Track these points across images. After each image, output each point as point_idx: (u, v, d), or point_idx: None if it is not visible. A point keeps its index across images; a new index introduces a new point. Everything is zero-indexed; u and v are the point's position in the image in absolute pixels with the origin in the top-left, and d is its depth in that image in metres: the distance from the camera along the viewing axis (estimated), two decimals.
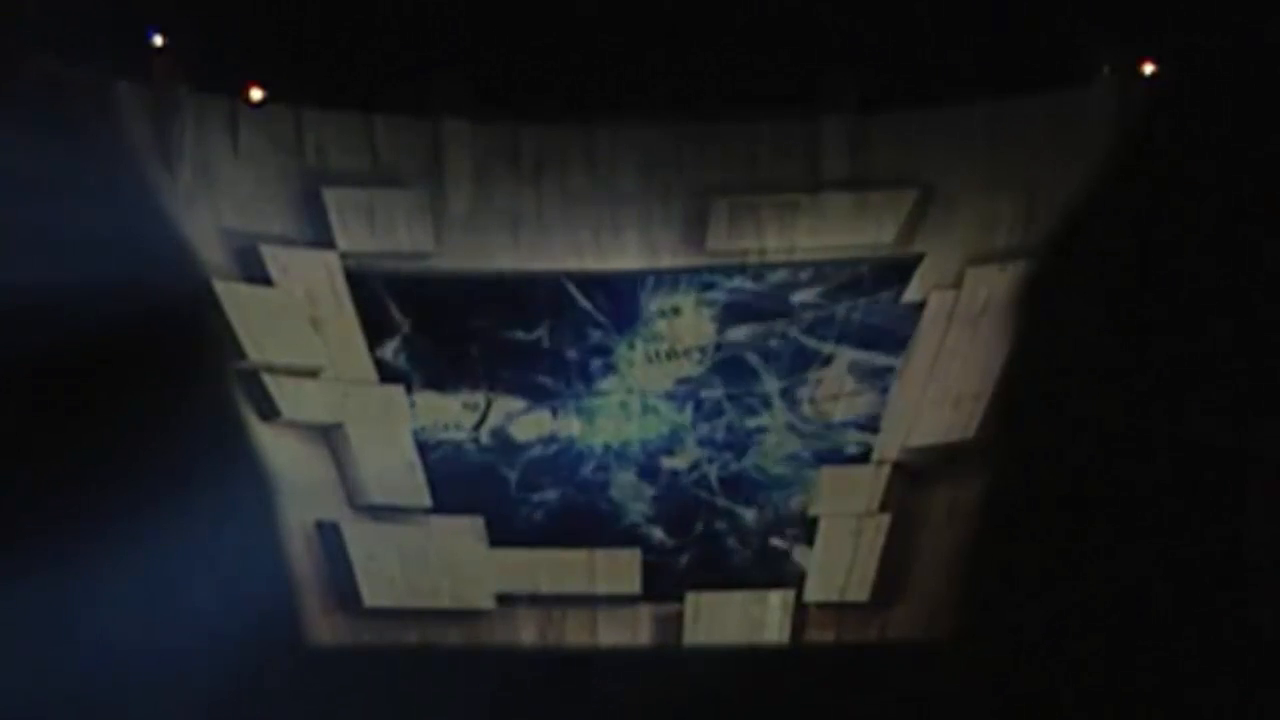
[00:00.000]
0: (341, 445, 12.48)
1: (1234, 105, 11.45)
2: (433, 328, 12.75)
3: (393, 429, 12.63)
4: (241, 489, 11.82)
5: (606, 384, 12.84)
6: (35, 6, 11.08)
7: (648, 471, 12.81)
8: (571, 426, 12.84)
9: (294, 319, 12.44)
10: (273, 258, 12.41)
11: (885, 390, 12.62)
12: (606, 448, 12.83)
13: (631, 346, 12.83)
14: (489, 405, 12.78)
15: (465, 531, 12.61)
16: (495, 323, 12.81)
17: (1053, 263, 11.99)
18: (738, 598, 12.64)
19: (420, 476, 12.63)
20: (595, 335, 12.84)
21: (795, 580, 12.59)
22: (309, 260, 12.53)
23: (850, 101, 12.47)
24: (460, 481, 12.66)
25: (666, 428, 12.83)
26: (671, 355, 12.85)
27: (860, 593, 12.47)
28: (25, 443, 11.11)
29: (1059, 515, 11.66)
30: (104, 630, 11.09)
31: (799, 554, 12.66)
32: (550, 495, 12.74)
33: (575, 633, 12.64)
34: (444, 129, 12.64)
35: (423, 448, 12.64)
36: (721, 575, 12.71)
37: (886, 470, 12.54)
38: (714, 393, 12.84)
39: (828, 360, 12.73)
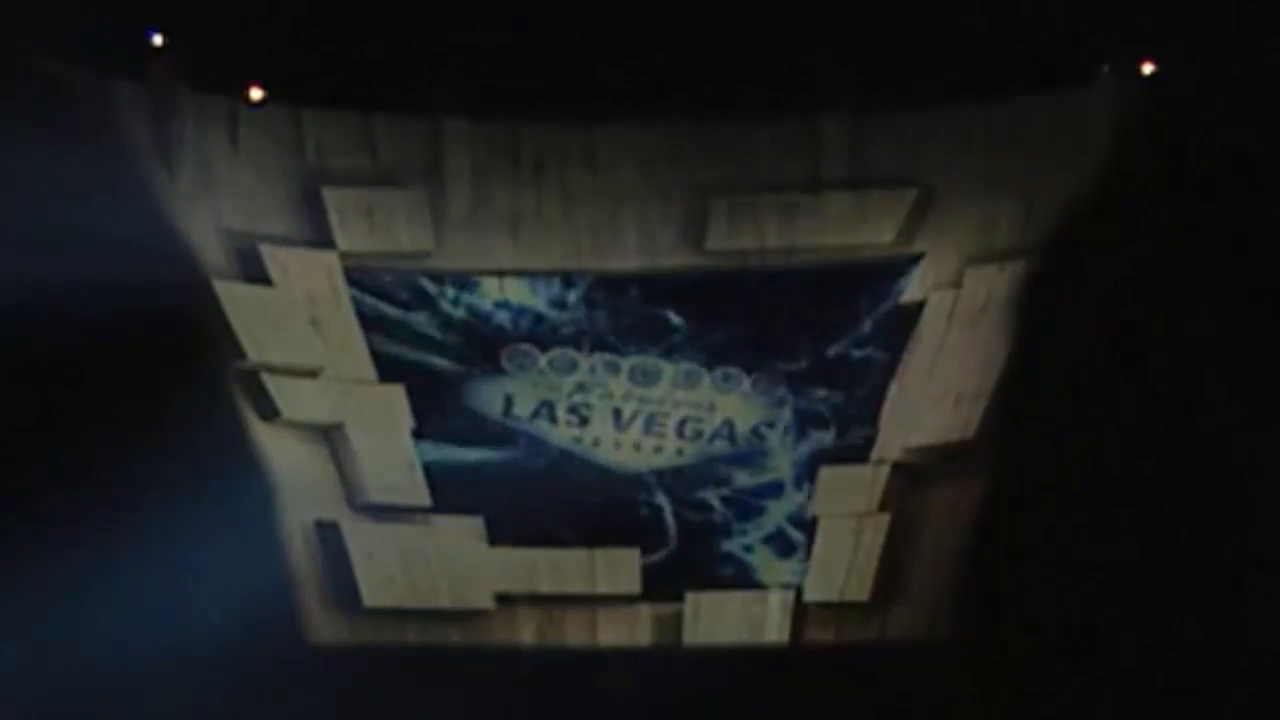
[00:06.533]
0: (341, 445, 12.46)
1: (1233, 105, 11.48)
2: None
3: (393, 429, 12.62)
4: (241, 489, 11.82)
5: (606, 384, 12.85)
6: (35, 6, 11.06)
7: (647, 470, 12.80)
8: (572, 425, 12.85)
9: (294, 319, 12.43)
10: (273, 258, 12.40)
11: (885, 390, 12.61)
12: (606, 447, 12.84)
13: (632, 346, 12.83)
14: None
15: (465, 531, 12.60)
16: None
17: (1053, 263, 12.00)
18: (738, 598, 12.63)
19: (419, 476, 12.63)
20: (595, 335, 12.85)
21: (795, 580, 12.59)
22: (309, 260, 12.52)
23: (850, 101, 12.47)
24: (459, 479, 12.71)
25: (668, 427, 12.82)
26: (671, 355, 12.84)
27: (860, 593, 12.46)
28: (25, 442, 11.11)
29: (1059, 515, 11.68)
30: (104, 630, 11.09)
31: (799, 554, 12.66)
32: (550, 495, 12.75)
33: (575, 633, 12.61)
34: (444, 129, 12.63)
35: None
36: (721, 575, 12.71)
37: (886, 470, 12.52)
38: (713, 391, 12.84)
39: (828, 360, 12.72)
